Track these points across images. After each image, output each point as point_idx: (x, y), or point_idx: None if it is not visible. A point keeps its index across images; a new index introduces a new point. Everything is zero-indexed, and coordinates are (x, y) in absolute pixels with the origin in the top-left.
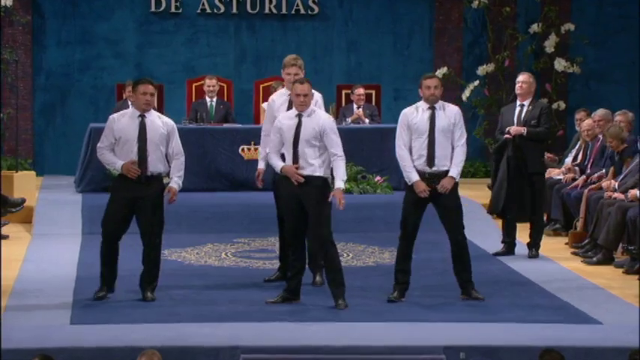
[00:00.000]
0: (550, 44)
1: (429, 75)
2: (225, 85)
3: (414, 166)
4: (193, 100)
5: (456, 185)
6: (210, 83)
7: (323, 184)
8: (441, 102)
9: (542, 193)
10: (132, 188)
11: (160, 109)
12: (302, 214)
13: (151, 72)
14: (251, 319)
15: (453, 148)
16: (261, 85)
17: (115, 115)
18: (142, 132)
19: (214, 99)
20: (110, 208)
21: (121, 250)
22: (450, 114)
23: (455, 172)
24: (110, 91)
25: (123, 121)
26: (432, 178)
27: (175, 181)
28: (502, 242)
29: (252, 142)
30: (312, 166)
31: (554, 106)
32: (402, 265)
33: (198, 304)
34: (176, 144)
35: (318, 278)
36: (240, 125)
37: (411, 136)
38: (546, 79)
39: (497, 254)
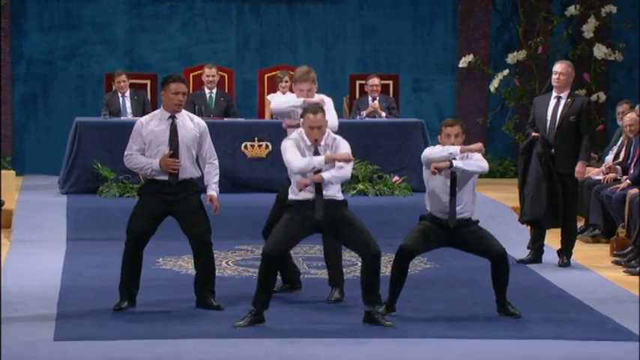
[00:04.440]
0: (589, 29)
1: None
2: (225, 75)
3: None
4: (190, 91)
5: (476, 222)
6: (210, 73)
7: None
8: None
9: (574, 195)
10: (165, 192)
11: (153, 103)
12: (305, 236)
13: (144, 60)
14: (255, 336)
15: None
16: (266, 75)
17: (142, 119)
18: (172, 134)
19: (214, 90)
20: (138, 208)
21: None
22: None
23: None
24: (98, 82)
25: (152, 125)
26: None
27: (213, 188)
28: (528, 248)
29: (256, 139)
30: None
31: (594, 97)
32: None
33: (195, 318)
34: (209, 146)
35: (337, 294)
36: (242, 119)
37: None
38: (584, 67)
39: (522, 261)
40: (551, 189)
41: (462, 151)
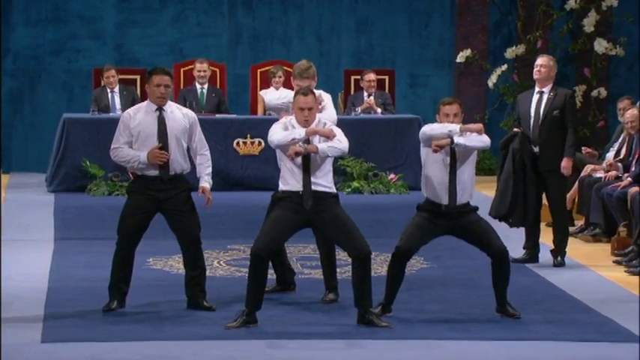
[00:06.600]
0: (589, 22)
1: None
2: (217, 70)
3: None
4: (181, 87)
5: (475, 209)
6: (201, 68)
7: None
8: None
9: (562, 192)
10: (154, 189)
11: (143, 98)
12: (295, 231)
13: (134, 55)
14: (247, 337)
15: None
16: (259, 70)
17: (129, 111)
18: (161, 126)
19: (205, 86)
20: (128, 206)
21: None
22: None
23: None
24: (86, 77)
25: (139, 116)
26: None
27: (206, 180)
28: (524, 248)
29: (249, 135)
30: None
31: (594, 93)
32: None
33: (186, 320)
34: (199, 137)
35: (332, 295)
36: (234, 115)
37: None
38: (585, 62)
39: (517, 260)
40: (518, 186)
41: (461, 130)
